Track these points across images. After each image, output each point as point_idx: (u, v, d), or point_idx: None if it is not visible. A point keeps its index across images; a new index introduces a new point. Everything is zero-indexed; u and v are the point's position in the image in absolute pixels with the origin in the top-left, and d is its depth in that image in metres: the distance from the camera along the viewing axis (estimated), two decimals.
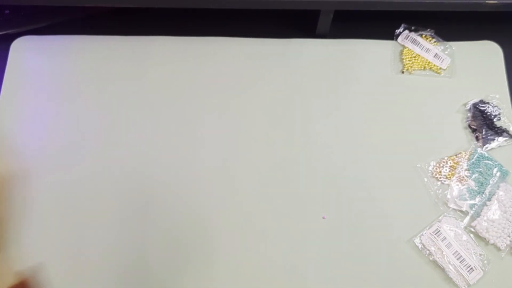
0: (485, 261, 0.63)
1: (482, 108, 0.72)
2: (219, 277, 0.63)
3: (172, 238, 0.65)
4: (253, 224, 0.66)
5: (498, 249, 0.64)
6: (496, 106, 0.73)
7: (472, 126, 0.72)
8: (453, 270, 0.62)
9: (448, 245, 0.63)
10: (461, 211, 0.66)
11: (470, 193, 0.67)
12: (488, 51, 0.77)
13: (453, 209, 0.66)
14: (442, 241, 0.63)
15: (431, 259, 0.63)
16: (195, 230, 0.65)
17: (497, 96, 0.74)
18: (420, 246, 0.64)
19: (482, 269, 0.62)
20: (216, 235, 0.65)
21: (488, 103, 0.73)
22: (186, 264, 0.64)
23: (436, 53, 0.75)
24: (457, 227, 0.64)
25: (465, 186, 0.67)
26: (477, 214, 0.65)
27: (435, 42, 0.76)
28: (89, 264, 0.64)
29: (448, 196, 0.67)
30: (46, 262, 0.63)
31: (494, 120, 0.72)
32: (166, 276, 0.63)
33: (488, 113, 0.72)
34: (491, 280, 0.62)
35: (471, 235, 0.64)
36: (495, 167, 0.68)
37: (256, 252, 0.64)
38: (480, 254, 0.63)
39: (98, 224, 0.66)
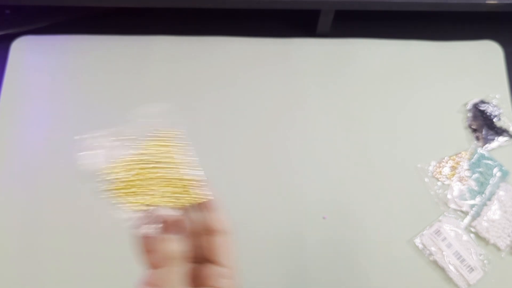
0: (485, 261, 0.63)
1: (482, 108, 0.72)
2: None
3: None
4: (252, 224, 0.66)
5: (498, 249, 0.64)
6: (496, 106, 0.73)
7: (473, 126, 0.72)
8: (454, 270, 0.62)
9: (449, 245, 0.63)
10: (462, 211, 0.66)
11: (471, 193, 0.67)
12: (488, 51, 0.77)
13: (454, 209, 0.66)
14: (442, 241, 0.63)
15: (431, 259, 0.63)
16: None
17: (497, 96, 0.74)
18: (420, 246, 0.64)
19: (483, 269, 0.62)
20: None
21: (488, 103, 0.73)
22: None
23: None
24: (457, 227, 0.64)
25: (466, 186, 0.67)
26: (477, 214, 0.65)
27: None
28: (92, 265, 0.64)
29: (449, 196, 0.67)
30: (47, 263, 0.63)
31: (494, 120, 0.72)
32: None
33: (488, 113, 0.72)
34: (491, 280, 0.62)
35: (472, 235, 0.64)
36: (495, 167, 0.68)
37: (256, 252, 0.64)
38: (480, 254, 0.63)
39: (98, 224, 0.66)
